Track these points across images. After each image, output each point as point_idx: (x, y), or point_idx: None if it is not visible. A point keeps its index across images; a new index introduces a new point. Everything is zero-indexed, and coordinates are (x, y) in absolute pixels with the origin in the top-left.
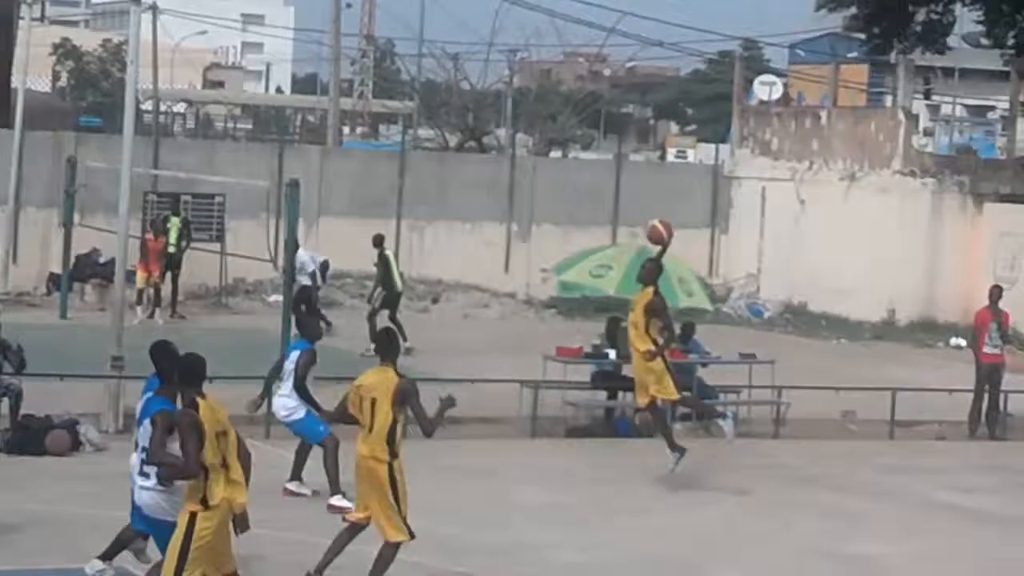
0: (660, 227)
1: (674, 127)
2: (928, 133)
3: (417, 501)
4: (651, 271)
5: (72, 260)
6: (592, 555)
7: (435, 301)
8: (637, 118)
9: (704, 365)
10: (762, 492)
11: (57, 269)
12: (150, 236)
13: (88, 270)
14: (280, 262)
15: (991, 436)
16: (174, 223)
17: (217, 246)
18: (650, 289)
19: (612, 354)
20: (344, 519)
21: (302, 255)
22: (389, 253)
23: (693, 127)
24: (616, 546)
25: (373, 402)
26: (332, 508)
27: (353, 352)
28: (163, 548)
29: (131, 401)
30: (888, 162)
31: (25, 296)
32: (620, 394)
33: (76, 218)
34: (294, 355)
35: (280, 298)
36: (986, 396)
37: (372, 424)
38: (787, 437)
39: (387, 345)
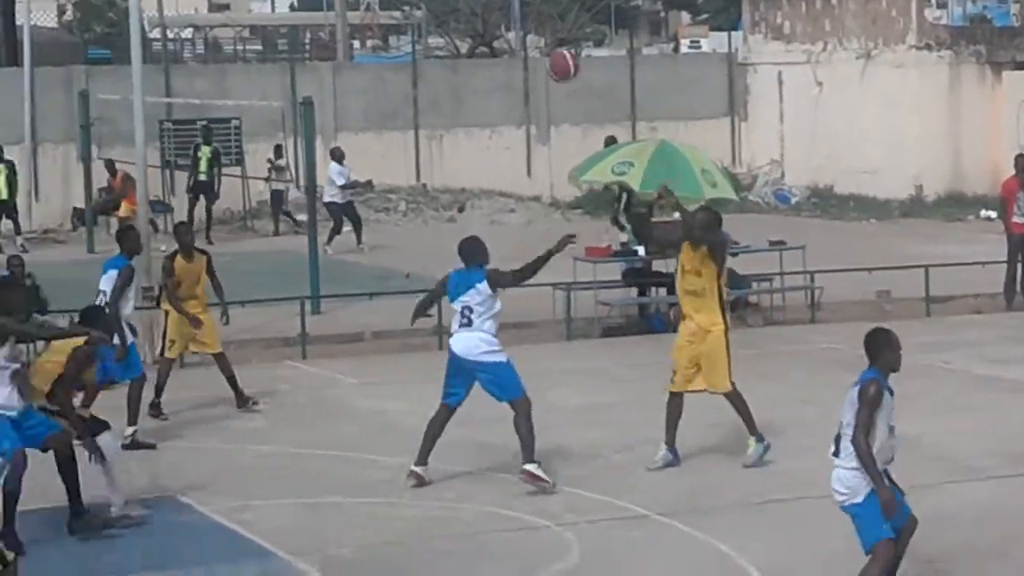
0: (565, 56)
1: (685, 17)
2: (941, 5)
3: (462, 411)
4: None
5: (94, 194)
6: (638, 453)
7: (461, 210)
8: (647, 11)
9: (734, 255)
10: (799, 377)
11: (80, 204)
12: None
13: (111, 203)
14: (301, 181)
15: None
16: (204, 151)
17: (237, 170)
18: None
19: (641, 250)
20: None
21: (333, 168)
22: None
23: (705, 16)
24: (660, 443)
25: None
26: (529, 477)
27: (389, 269)
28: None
29: None
30: (903, 37)
31: (51, 233)
32: (652, 290)
33: (94, 151)
34: (480, 285)
35: (304, 217)
36: (1020, 266)
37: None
38: (822, 322)
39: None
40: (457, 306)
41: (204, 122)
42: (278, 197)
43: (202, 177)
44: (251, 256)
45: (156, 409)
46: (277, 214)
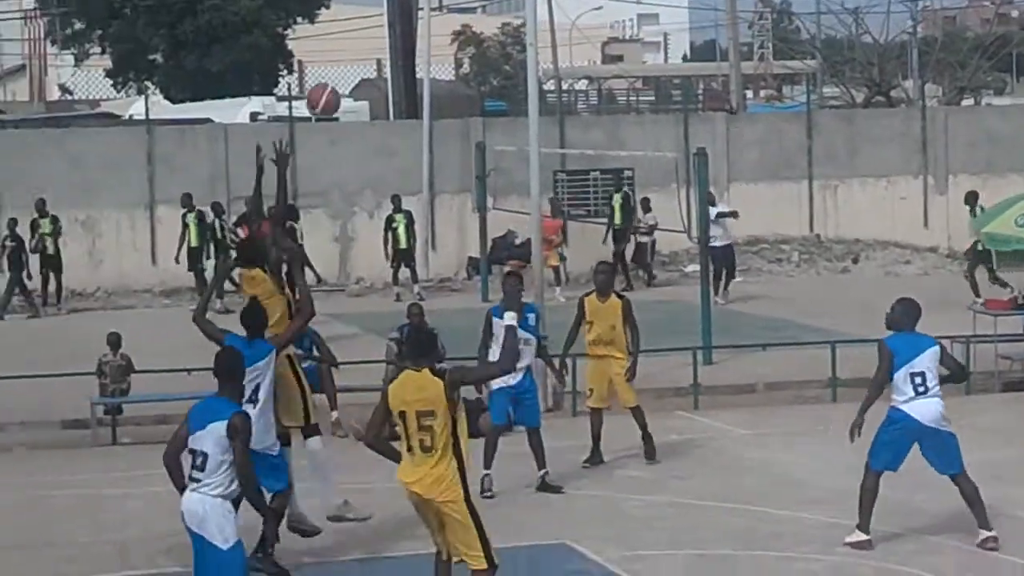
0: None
1: None
2: None
3: (854, 464)
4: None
5: (488, 243)
6: None
7: (855, 261)
8: None
9: None
10: None
11: (475, 253)
12: (547, 214)
13: (504, 252)
14: (694, 232)
15: None
16: (616, 199)
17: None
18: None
19: None
20: None
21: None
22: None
23: None
24: None
25: None
26: (993, 541)
27: (781, 319)
28: None
29: None
30: None
31: (447, 282)
32: None
33: (489, 202)
34: (932, 351)
35: (697, 268)
36: None
37: None
38: None
39: None
40: (904, 372)
41: (597, 172)
42: (643, 250)
43: (617, 225)
44: (642, 305)
45: (596, 456)
46: (647, 266)
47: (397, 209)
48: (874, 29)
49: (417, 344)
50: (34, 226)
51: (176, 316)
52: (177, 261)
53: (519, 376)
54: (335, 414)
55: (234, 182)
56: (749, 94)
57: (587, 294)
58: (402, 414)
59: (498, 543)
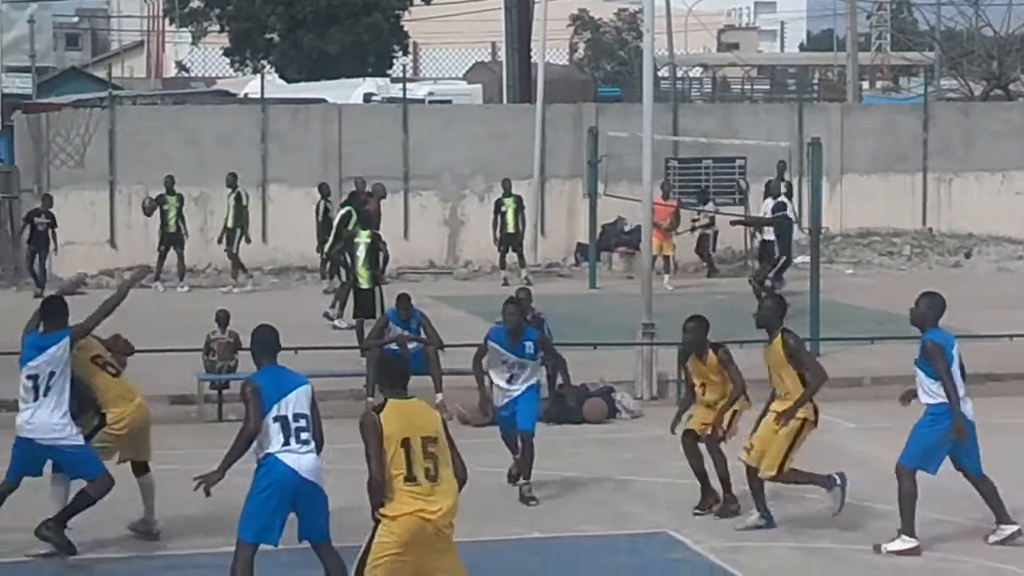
0: None
1: None
2: None
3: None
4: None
5: (598, 230)
6: None
7: (968, 255)
8: None
9: None
10: None
11: (584, 239)
12: (658, 198)
13: (614, 239)
14: (805, 223)
15: None
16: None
17: (740, 209)
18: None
19: None
20: None
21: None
22: None
23: None
24: None
25: None
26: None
27: (891, 313)
28: None
29: (664, 368)
30: None
31: (555, 267)
32: None
33: (600, 188)
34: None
35: (807, 259)
36: None
37: None
38: None
39: None
40: (955, 366)
41: (709, 161)
42: (704, 241)
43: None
44: (748, 296)
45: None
46: (709, 257)
47: (507, 193)
48: (995, 21)
49: (401, 374)
50: (158, 202)
51: (285, 295)
52: (219, 242)
53: (514, 395)
54: (440, 396)
55: (346, 162)
56: (865, 85)
57: (685, 355)
58: (405, 442)
59: (599, 531)
